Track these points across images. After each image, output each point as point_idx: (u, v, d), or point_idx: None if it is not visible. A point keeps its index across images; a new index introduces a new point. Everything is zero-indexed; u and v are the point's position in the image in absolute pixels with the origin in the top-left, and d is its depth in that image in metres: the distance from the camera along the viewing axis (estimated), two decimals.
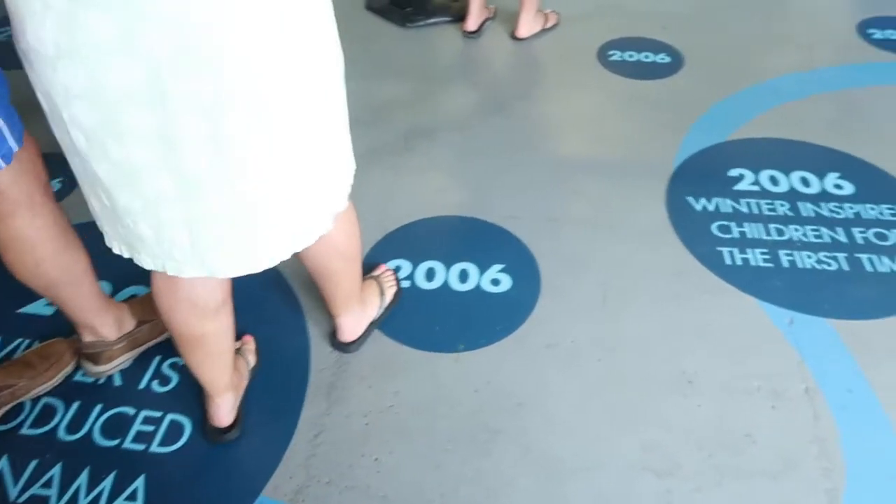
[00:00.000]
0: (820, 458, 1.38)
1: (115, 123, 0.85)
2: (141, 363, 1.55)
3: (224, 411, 1.39)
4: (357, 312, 1.54)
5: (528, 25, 2.63)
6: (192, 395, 1.46)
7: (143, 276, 1.17)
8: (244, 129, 0.89)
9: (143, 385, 1.52)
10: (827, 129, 2.23)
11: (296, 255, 1.22)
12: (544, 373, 1.54)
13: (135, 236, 1.01)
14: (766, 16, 2.86)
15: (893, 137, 2.19)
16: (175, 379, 1.53)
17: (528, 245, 1.83)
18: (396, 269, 1.76)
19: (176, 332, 1.23)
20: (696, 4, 2.92)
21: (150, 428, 1.44)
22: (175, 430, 1.44)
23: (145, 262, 1.06)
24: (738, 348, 1.58)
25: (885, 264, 1.77)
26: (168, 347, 1.49)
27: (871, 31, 2.74)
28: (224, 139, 0.88)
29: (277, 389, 1.51)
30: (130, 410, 1.47)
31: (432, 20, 2.79)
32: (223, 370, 1.33)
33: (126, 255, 1.08)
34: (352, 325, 1.55)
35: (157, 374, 1.54)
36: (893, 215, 1.92)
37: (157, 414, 1.47)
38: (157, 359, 1.57)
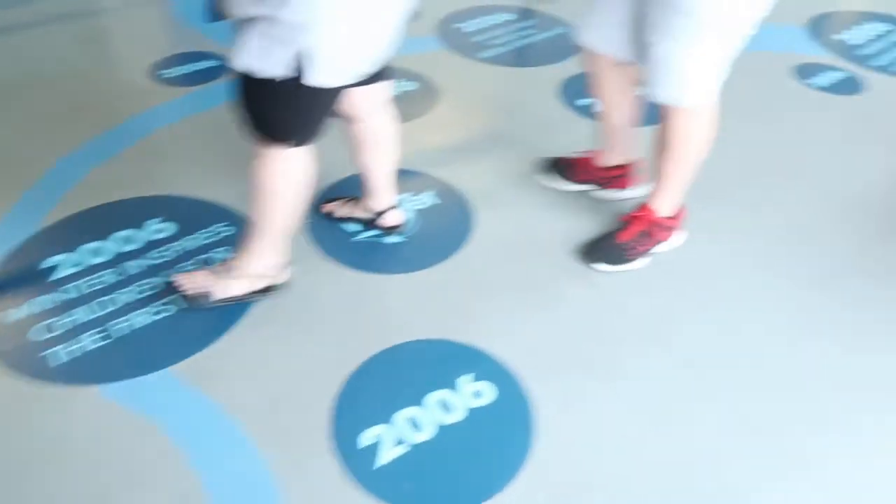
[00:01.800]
0: None
1: None
2: None
3: None
4: None
5: None
6: None
7: None
8: None
9: None
10: (139, 180, 2.23)
11: None
12: None
13: None
14: (48, 92, 2.75)
15: (196, 160, 2.32)
16: None
17: None
18: None
19: None
20: None
21: None
22: None
23: None
24: (93, 462, 1.45)
25: None
26: None
27: (161, 72, 2.87)
28: None
29: None
30: None
31: None
32: None
33: None
34: None
35: None
36: (210, 237, 2.03)
37: None
38: None
